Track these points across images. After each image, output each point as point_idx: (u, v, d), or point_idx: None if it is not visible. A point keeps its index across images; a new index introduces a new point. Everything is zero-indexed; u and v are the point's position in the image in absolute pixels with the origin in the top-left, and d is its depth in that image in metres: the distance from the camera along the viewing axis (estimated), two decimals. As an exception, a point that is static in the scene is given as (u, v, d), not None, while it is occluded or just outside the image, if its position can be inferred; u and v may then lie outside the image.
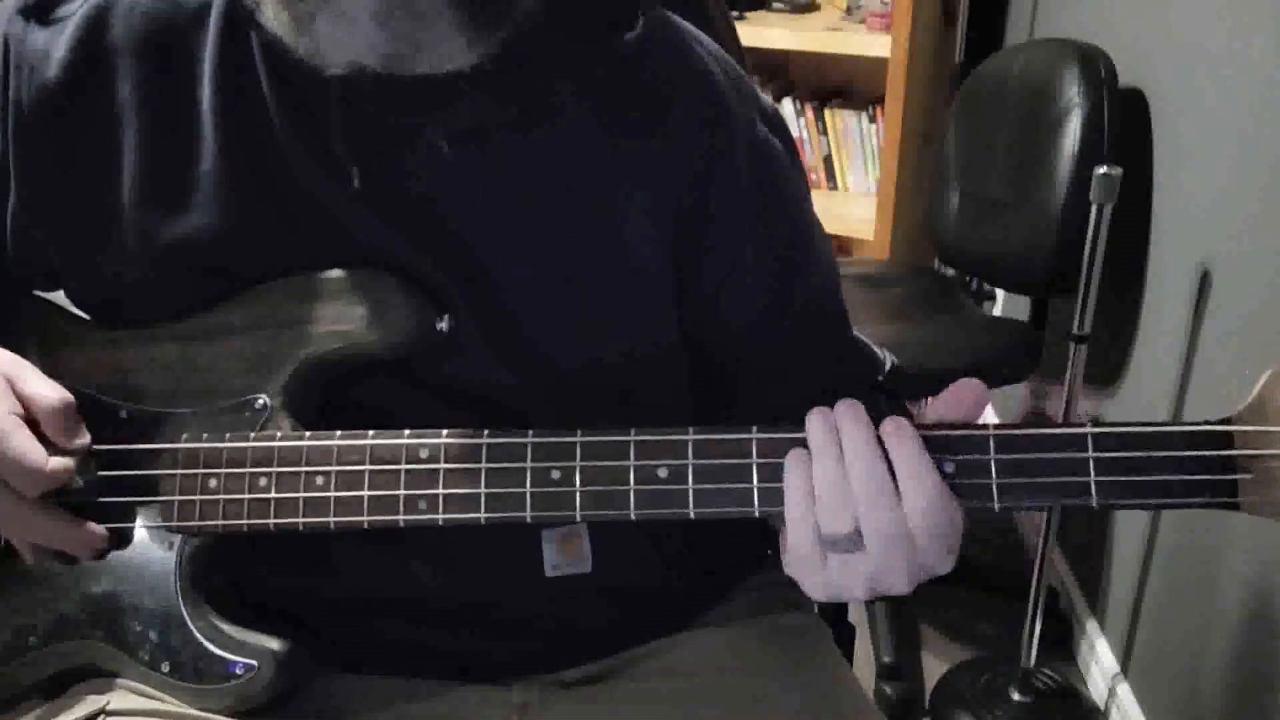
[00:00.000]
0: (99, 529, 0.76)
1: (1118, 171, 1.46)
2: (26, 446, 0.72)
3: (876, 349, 0.91)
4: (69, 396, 0.75)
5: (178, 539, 0.77)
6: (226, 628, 0.76)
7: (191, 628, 0.76)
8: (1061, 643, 1.98)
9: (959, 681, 1.87)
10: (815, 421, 0.66)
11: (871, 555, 0.65)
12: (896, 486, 0.64)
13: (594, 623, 0.85)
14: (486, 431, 0.71)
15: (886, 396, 0.88)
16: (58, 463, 0.73)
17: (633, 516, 0.69)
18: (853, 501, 0.64)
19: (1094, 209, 1.49)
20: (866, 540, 0.65)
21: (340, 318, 0.75)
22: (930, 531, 0.64)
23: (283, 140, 0.75)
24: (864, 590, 0.66)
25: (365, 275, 0.76)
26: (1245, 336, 1.40)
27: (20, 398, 0.74)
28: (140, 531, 0.77)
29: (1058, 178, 1.73)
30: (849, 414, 0.66)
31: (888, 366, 0.90)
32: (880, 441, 0.65)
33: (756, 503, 0.68)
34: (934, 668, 1.94)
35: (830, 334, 0.89)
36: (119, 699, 0.78)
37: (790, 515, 0.66)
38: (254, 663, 0.75)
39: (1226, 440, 0.63)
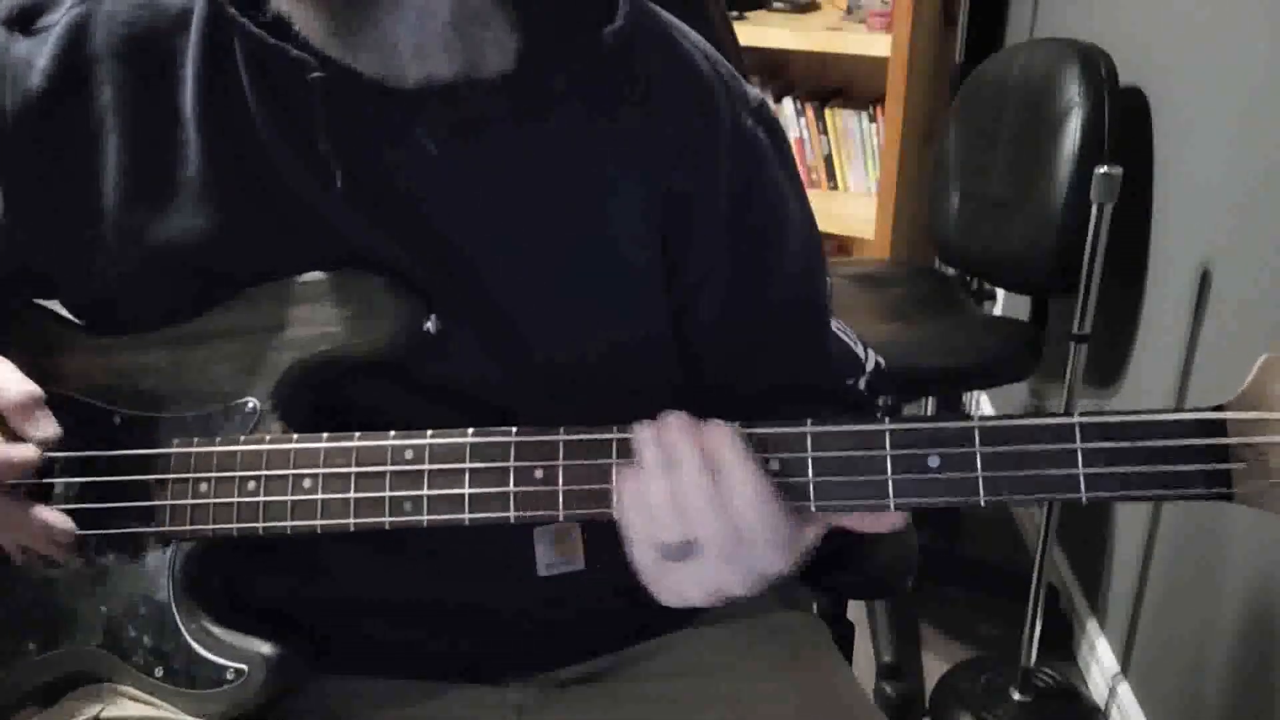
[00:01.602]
0: (62, 519, 0.76)
1: (1118, 171, 1.46)
2: None
3: (859, 350, 0.90)
4: (34, 389, 0.75)
5: (171, 544, 0.77)
6: (218, 632, 0.76)
7: (184, 632, 0.76)
8: (1061, 642, 1.98)
9: (959, 681, 1.87)
10: (644, 437, 0.67)
11: (707, 563, 0.66)
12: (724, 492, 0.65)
13: (588, 622, 0.85)
14: (470, 431, 0.71)
15: (856, 403, 0.88)
16: (18, 452, 0.73)
17: (615, 515, 0.69)
18: (684, 514, 0.65)
19: (1094, 209, 1.49)
20: (702, 549, 0.66)
21: (327, 320, 0.75)
22: (760, 535, 0.65)
23: (266, 141, 0.75)
24: (703, 596, 0.68)
25: (352, 277, 0.75)
26: (1245, 336, 1.40)
27: None
28: (133, 537, 0.77)
29: (1058, 178, 1.73)
30: (674, 426, 0.66)
31: (870, 367, 0.89)
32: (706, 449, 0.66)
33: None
34: (934, 667, 1.94)
35: (803, 330, 0.88)
36: (114, 705, 0.78)
37: (627, 532, 0.67)
38: (244, 667, 0.75)
39: (1220, 429, 0.61)
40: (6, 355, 0.77)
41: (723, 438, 0.65)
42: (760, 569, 0.67)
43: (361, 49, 0.70)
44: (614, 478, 0.68)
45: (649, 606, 0.86)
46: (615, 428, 0.69)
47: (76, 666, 0.79)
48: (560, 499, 0.69)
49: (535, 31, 0.72)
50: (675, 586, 0.68)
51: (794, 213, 0.87)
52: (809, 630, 0.94)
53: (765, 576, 0.67)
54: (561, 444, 0.69)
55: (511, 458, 0.70)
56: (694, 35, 0.85)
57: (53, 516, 0.76)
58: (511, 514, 0.70)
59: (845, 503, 0.67)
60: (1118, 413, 0.63)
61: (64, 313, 0.82)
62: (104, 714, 0.78)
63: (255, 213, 0.76)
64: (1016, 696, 1.80)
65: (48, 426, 0.75)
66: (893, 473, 0.65)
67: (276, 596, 0.81)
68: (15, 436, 0.74)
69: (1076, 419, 0.63)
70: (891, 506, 0.66)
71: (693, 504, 0.65)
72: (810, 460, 0.66)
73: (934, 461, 0.65)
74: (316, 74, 0.71)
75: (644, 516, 0.66)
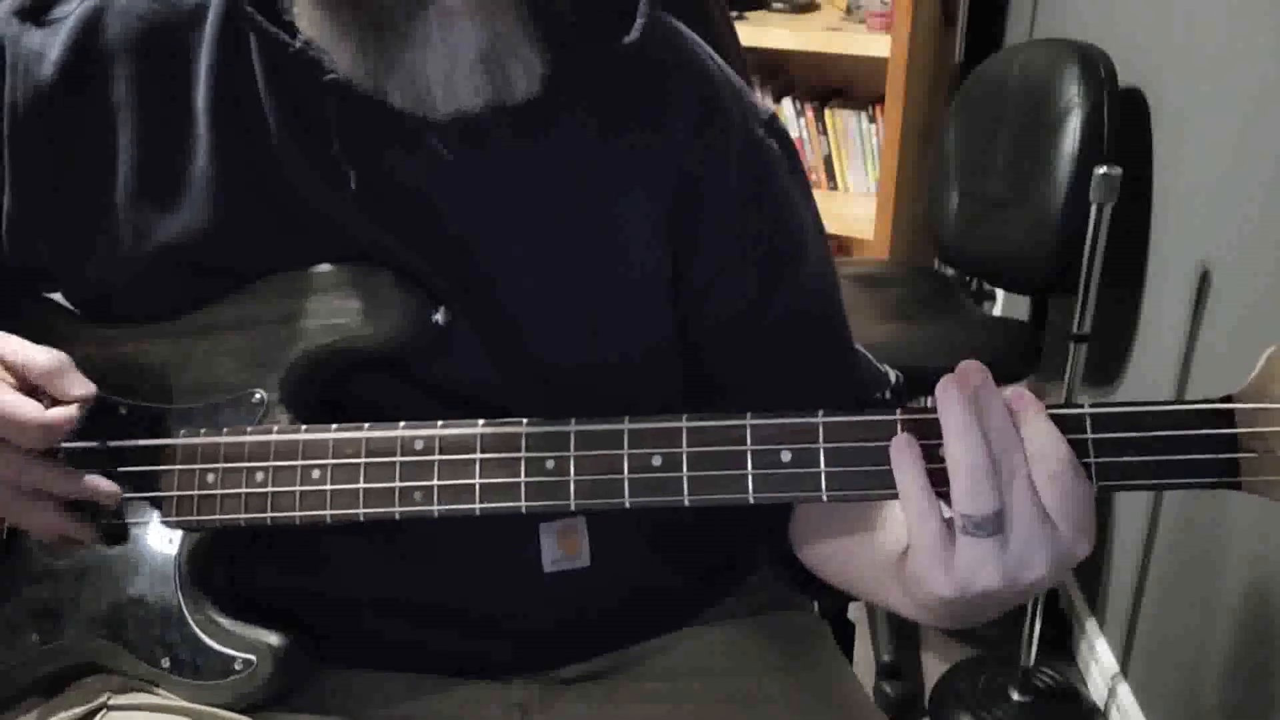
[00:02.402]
0: (108, 482, 0.75)
1: (1118, 171, 1.46)
2: (16, 401, 0.71)
3: (882, 369, 0.90)
4: (61, 354, 0.74)
5: (178, 535, 0.77)
6: (226, 623, 0.76)
7: (191, 623, 0.76)
8: (1061, 642, 1.98)
9: (959, 681, 1.87)
10: (951, 394, 0.61)
11: (1014, 539, 0.60)
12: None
13: (592, 620, 0.85)
14: (481, 422, 0.71)
15: None
16: (56, 413, 0.72)
17: (627, 505, 0.69)
18: (997, 480, 0.60)
19: (1094, 209, 1.49)
20: (1011, 522, 0.60)
21: (336, 311, 0.75)
22: (1064, 510, 0.60)
23: (278, 141, 0.75)
24: (998, 581, 0.61)
25: (361, 269, 0.76)
26: (1245, 336, 1.40)
27: (10, 368, 0.73)
28: (140, 528, 0.77)
29: (1058, 178, 1.73)
30: (986, 384, 0.61)
31: (892, 381, 0.89)
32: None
33: (751, 489, 0.67)
34: (934, 667, 1.94)
35: (820, 342, 0.87)
36: (119, 695, 0.78)
37: (914, 508, 0.61)
38: (252, 658, 0.75)
39: (1229, 418, 0.62)
40: None
41: (1031, 404, 0.61)
42: (1065, 551, 0.61)
43: (391, 82, 0.70)
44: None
45: (652, 605, 0.87)
46: (627, 418, 0.69)
47: (81, 657, 0.79)
48: (572, 489, 0.69)
49: (559, 51, 0.72)
50: (968, 567, 0.61)
51: (808, 227, 0.86)
52: (810, 630, 0.95)
53: (1071, 557, 0.61)
54: (573, 435, 0.70)
55: (523, 448, 0.70)
56: (708, 48, 0.85)
57: (99, 480, 0.75)
58: (523, 504, 0.70)
59: (857, 493, 0.67)
60: (1127, 403, 0.63)
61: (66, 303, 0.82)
62: (110, 702, 0.78)
63: (263, 212, 0.76)
64: (1016, 696, 1.80)
65: (83, 385, 0.75)
66: None
67: (281, 591, 0.81)
68: (50, 403, 0.74)
69: (1087, 409, 0.63)
70: None
71: (1008, 471, 0.60)
72: (822, 451, 0.66)
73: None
74: (331, 75, 0.71)
75: (928, 488, 0.61)
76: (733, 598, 0.92)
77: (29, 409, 0.72)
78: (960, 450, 0.60)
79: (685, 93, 0.80)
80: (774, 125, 0.86)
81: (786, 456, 0.67)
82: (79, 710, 0.78)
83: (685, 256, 0.81)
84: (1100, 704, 1.84)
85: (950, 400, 0.61)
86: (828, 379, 0.86)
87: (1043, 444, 0.60)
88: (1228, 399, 0.62)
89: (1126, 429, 0.63)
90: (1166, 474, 0.63)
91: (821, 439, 0.66)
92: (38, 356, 0.74)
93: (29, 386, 0.74)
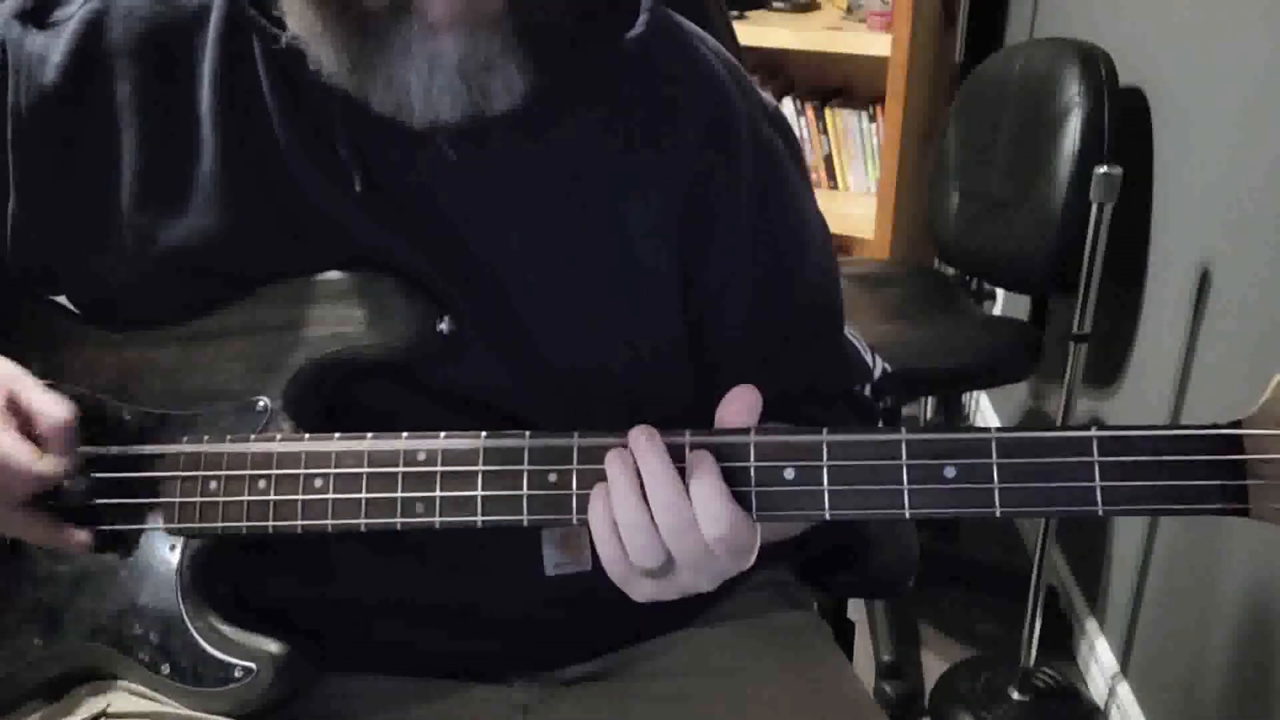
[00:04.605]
0: (81, 534, 0.76)
1: (1118, 171, 1.46)
2: (14, 448, 0.71)
3: (867, 355, 0.90)
4: (70, 413, 0.74)
5: (179, 541, 0.77)
6: (226, 630, 0.76)
7: (191, 630, 0.76)
8: (1061, 642, 1.98)
9: (959, 680, 1.87)
10: (613, 462, 0.67)
11: (681, 573, 0.67)
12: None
13: (594, 622, 0.85)
14: (484, 434, 0.71)
15: (860, 406, 0.88)
16: (46, 464, 0.72)
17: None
18: (658, 535, 0.66)
19: (1094, 208, 1.50)
20: (677, 564, 0.67)
21: (341, 320, 0.75)
22: (729, 549, 0.66)
23: (283, 143, 0.75)
24: (672, 596, 0.69)
25: (366, 277, 0.76)
26: (1245, 336, 1.40)
27: (22, 411, 0.73)
28: (141, 534, 0.77)
29: (1058, 177, 1.73)
30: (647, 449, 0.66)
31: (877, 374, 0.89)
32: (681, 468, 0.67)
33: (754, 507, 0.67)
34: (934, 666, 1.95)
35: (822, 333, 0.88)
36: (119, 701, 0.78)
37: (601, 551, 0.68)
38: (252, 665, 0.75)
39: (1237, 444, 0.61)
40: (16, 350, 0.77)
41: (699, 466, 0.66)
42: (725, 572, 0.68)
43: (372, 87, 0.70)
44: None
45: (653, 607, 0.87)
46: (630, 432, 0.69)
47: (82, 662, 0.79)
48: (574, 503, 0.69)
49: (551, 59, 0.72)
50: (648, 591, 0.69)
51: (812, 218, 0.87)
52: (811, 629, 0.95)
53: (729, 575, 0.69)
54: (576, 448, 0.69)
55: (525, 461, 0.70)
56: (712, 41, 0.85)
57: (69, 533, 0.75)
58: (524, 517, 0.70)
59: (860, 512, 0.67)
60: (1134, 427, 0.63)
61: (70, 307, 0.82)
62: (109, 709, 0.78)
63: (270, 215, 0.76)
64: (1016, 696, 1.80)
65: (73, 456, 0.74)
66: (909, 483, 0.65)
67: (283, 596, 0.81)
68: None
69: (1094, 433, 0.63)
70: (907, 515, 0.66)
71: (667, 527, 0.65)
72: (826, 469, 0.66)
73: (950, 472, 0.65)
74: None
75: (617, 540, 0.67)
76: (734, 598, 0.92)
77: (25, 457, 0.71)
78: (623, 515, 0.66)
79: (694, 93, 0.80)
80: (778, 120, 0.86)
81: (789, 474, 0.67)
82: (79, 716, 0.78)
83: (698, 256, 0.81)
84: (1100, 704, 1.84)
85: (610, 465, 0.67)
86: (818, 371, 0.87)
87: (708, 503, 0.65)
88: (1236, 424, 0.62)
89: (1132, 453, 0.62)
90: (1173, 499, 0.62)
91: (825, 457, 0.66)
92: (50, 410, 0.73)
93: (29, 432, 0.73)
